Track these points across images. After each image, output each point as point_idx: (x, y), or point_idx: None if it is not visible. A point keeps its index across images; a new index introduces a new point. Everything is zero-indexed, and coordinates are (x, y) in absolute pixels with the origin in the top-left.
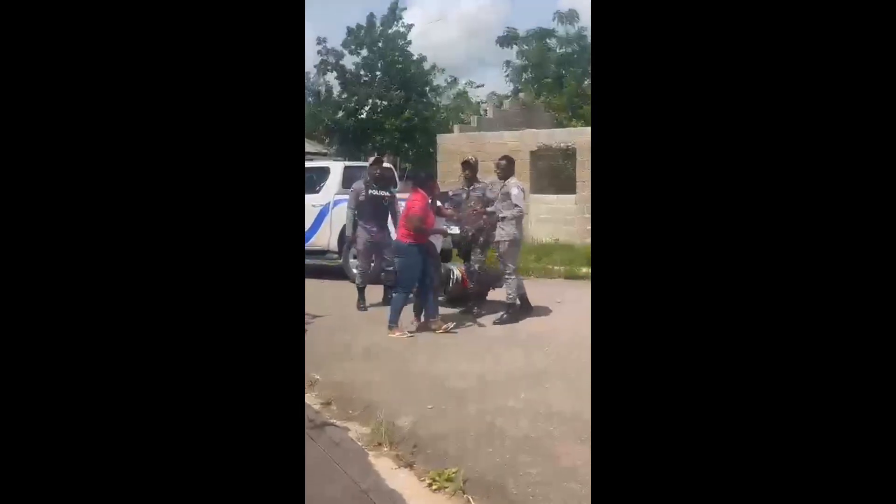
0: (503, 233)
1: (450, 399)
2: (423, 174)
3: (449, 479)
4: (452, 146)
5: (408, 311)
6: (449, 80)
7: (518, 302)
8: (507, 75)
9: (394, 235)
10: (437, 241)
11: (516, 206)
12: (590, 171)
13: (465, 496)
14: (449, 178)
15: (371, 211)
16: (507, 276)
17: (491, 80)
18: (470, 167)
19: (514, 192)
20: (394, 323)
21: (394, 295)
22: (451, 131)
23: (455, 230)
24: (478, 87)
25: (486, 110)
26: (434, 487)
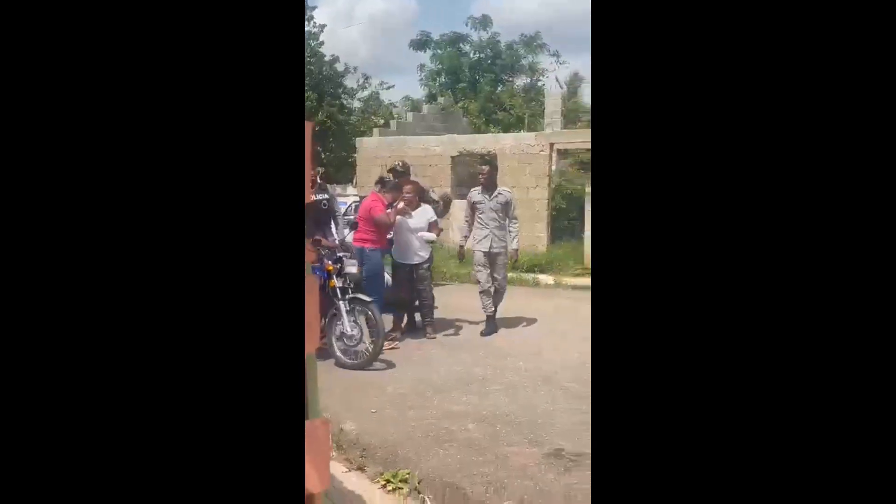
0: (501, 244)
1: (392, 404)
2: (399, 172)
3: (403, 480)
4: (371, 151)
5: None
6: (361, 80)
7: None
8: (421, 79)
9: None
10: (426, 251)
11: (515, 219)
12: (510, 176)
13: (420, 496)
14: (368, 183)
15: (313, 216)
16: (494, 287)
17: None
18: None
19: (515, 203)
20: None
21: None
22: (366, 135)
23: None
24: (388, 87)
25: (402, 114)
26: (389, 489)
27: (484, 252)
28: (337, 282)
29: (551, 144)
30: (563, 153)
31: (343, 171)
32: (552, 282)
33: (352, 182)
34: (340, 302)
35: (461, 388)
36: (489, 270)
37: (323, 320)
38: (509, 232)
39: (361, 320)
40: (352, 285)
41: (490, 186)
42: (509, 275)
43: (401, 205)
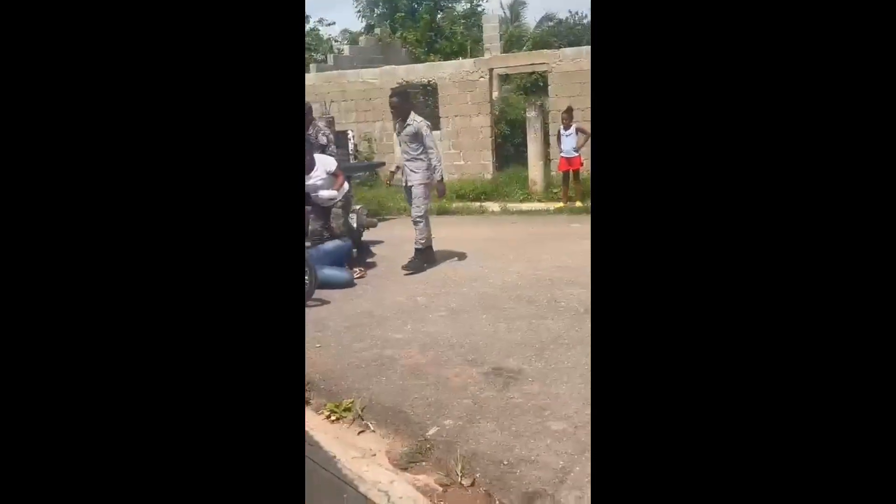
0: (416, 176)
1: (335, 338)
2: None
3: (347, 409)
4: (311, 86)
5: None
6: None
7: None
8: (359, 11)
9: None
10: (332, 192)
11: (431, 147)
12: (452, 106)
13: (363, 422)
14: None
15: None
16: (417, 221)
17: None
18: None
19: (426, 131)
20: None
21: None
22: (308, 70)
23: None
24: (329, 24)
25: (340, 49)
26: (333, 419)
27: (403, 186)
28: None
29: (491, 70)
30: (504, 78)
31: None
32: (498, 209)
33: None
34: None
35: (403, 318)
36: (415, 204)
37: None
38: (424, 161)
39: None
40: None
41: (401, 118)
42: (456, 204)
43: None
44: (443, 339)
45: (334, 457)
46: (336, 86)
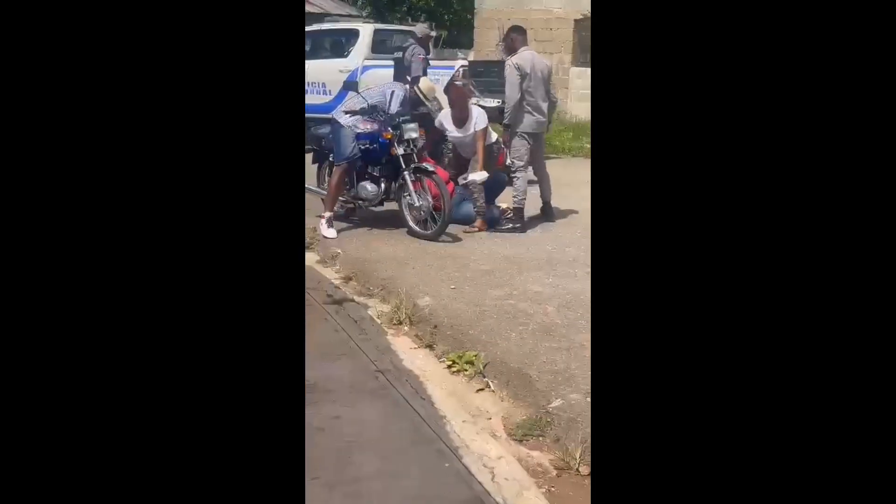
0: (534, 118)
1: (473, 281)
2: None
3: (469, 362)
4: (492, 11)
5: None
6: None
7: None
8: None
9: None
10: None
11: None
12: None
13: (484, 380)
14: (485, 47)
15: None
16: (515, 176)
17: None
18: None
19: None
20: None
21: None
22: None
23: None
24: None
25: None
26: (454, 370)
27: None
28: (398, 149)
29: None
30: None
31: (467, 34)
32: None
33: (471, 47)
34: (405, 171)
35: (547, 269)
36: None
37: (392, 185)
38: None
39: (427, 189)
40: (415, 151)
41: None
42: None
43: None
44: (584, 300)
45: (444, 416)
46: (517, 12)
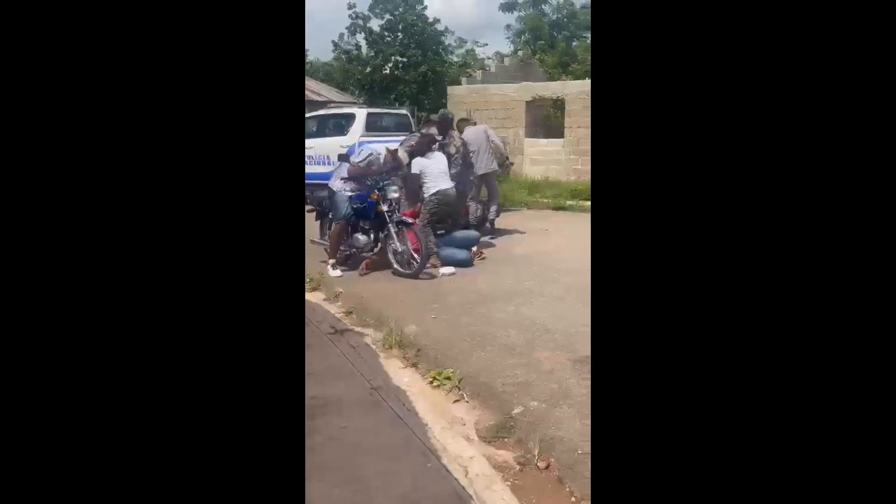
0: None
1: (449, 311)
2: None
3: (447, 378)
4: (459, 97)
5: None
6: (457, 41)
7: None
8: (508, 37)
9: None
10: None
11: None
12: (575, 118)
13: (460, 392)
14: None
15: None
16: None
17: (495, 41)
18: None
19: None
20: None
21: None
22: (460, 83)
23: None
24: (482, 45)
25: (489, 66)
26: (434, 385)
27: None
28: (383, 206)
29: None
30: None
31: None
32: None
33: None
34: (390, 224)
35: (508, 299)
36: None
37: (380, 236)
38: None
39: (407, 237)
40: (397, 207)
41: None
42: (570, 202)
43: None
44: (540, 323)
45: (426, 424)
46: (481, 97)
